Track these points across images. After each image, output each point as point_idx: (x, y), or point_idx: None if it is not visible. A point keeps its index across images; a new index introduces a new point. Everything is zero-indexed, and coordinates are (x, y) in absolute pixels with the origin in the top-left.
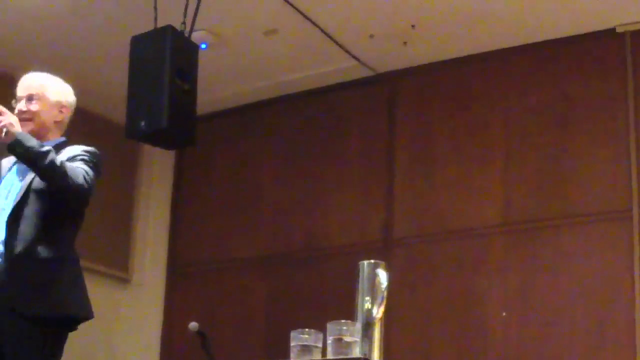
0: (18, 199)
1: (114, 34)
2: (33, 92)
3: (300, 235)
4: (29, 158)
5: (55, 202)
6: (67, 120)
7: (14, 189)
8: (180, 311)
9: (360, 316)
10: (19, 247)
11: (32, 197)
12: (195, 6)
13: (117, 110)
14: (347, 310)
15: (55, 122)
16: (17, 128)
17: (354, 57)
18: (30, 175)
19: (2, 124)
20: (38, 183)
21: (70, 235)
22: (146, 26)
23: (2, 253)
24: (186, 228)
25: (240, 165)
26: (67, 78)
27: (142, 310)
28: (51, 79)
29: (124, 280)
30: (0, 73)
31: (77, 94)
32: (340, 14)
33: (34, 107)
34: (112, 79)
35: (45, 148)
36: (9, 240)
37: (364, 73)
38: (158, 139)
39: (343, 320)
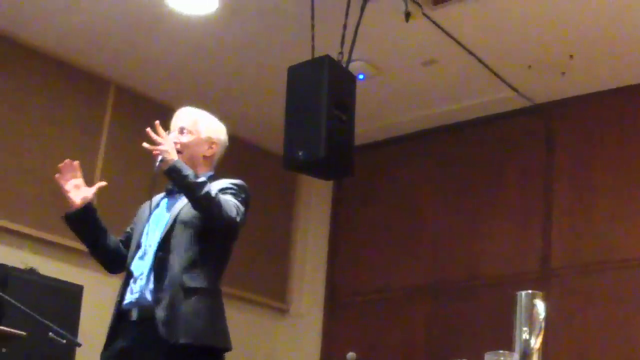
0: (165, 231)
1: (271, 64)
2: (185, 125)
3: (459, 265)
4: (186, 186)
5: (201, 234)
6: (217, 156)
7: (162, 222)
8: (338, 341)
9: (518, 347)
10: (166, 278)
11: (179, 229)
12: (352, 36)
13: (274, 140)
14: (505, 341)
15: (205, 157)
16: (174, 155)
17: (512, 88)
18: (178, 208)
19: (160, 148)
20: (185, 215)
21: (216, 268)
22: (303, 56)
23: (151, 283)
24: (344, 258)
25: (398, 195)
26: (225, 108)
27: (300, 341)
28: (205, 114)
29: (282, 311)
30: (160, 104)
31: (235, 124)
32: (498, 45)
33: (185, 139)
34: (269, 109)
35: (201, 179)
36: (157, 271)
37: (522, 103)
38: (316, 169)
39: (501, 351)
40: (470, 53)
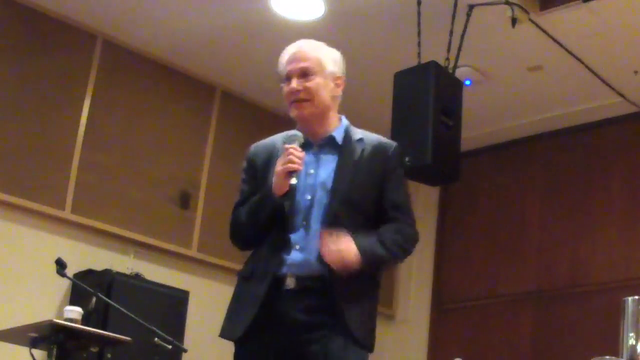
0: (328, 211)
1: (377, 70)
2: (307, 64)
3: (565, 271)
4: (387, 262)
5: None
6: (341, 94)
7: (316, 192)
8: (444, 347)
9: (624, 352)
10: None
11: (340, 208)
12: (458, 42)
13: None
14: (612, 347)
15: (333, 98)
16: (354, 254)
17: (619, 93)
18: (330, 179)
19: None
20: (344, 189)
21: None
22: (410, 62)
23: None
24: (450, 264)
25: (504, 201)
26: None
27: (406, 346)
28: (323, 46)
29: (389, 317)
30: (265, 109)
31: None
32: (604, 50)
33: (312, 83)
34: (375, 115)
35: (382, 252)
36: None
37: (628, 109)
38: (422, 174)
39: (607, 357)
40: (577, 58)
